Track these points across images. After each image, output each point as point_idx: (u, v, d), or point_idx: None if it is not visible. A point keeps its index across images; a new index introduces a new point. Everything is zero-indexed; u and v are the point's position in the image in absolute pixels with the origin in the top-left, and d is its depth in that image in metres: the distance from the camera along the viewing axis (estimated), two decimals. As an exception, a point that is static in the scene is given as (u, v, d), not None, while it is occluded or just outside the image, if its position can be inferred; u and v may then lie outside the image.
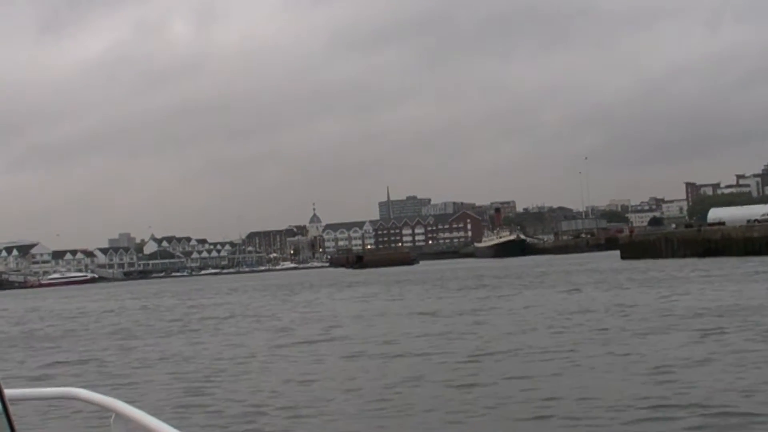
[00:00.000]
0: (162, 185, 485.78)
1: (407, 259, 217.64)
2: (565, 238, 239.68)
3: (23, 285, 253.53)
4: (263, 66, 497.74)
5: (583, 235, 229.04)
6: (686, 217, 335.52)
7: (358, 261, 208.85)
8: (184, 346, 36.52)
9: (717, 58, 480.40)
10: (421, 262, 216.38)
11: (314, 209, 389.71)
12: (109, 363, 31.80)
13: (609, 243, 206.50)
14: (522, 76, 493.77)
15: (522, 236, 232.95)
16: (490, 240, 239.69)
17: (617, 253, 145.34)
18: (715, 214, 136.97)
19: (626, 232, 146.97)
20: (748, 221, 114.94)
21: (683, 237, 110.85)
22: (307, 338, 35.88)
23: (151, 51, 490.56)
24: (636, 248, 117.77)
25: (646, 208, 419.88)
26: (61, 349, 39.06)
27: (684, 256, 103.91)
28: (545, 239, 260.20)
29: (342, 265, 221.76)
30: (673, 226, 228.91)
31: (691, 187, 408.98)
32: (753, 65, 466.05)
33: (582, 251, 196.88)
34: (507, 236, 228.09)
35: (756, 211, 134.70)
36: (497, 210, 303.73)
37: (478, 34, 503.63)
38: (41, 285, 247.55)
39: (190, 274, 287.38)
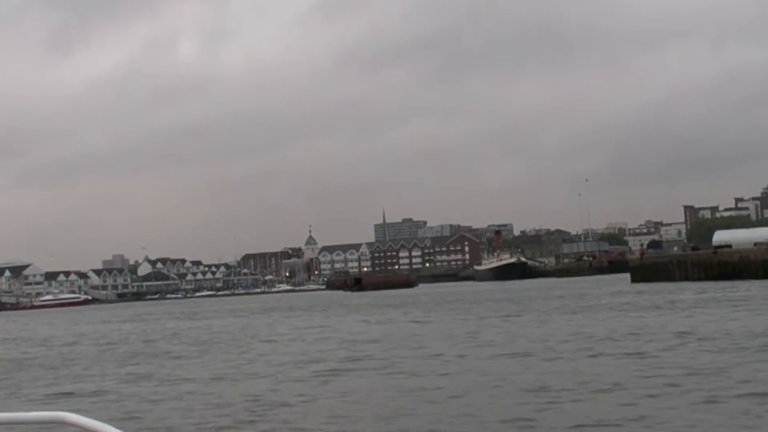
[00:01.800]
0: (158, 206, 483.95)
1: (407, 281, 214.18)
2: (566, 260, 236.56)
3: (15, 306, 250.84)
4: (268, 85, 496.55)
5: (585, 258, 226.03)
6: (685, 240, 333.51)
7: (357, 284, 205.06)
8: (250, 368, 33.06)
9: (719, 80, 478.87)
10: (420, 285, 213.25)
11: (310, 231, 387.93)
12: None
13: (612, 266, 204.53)
14: (525, 96, 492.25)
15: (523, 259, 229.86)
16: (490, 263, 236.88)
17: (625, 276, 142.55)
18: (720, 236, 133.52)
19: (636, 254, 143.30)
20: (756, 244, 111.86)
21: (698, 259, 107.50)
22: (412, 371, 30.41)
23: (159, 69, 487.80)
24: (647, 271, 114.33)
25: (644, 231, 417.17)
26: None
27: (699, 279, 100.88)
28: (546, 262, 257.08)
29: (339, 288, 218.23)
30: (675, 249, 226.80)
31: (689, 210, 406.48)
32: (755, 87, 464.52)
33: (584, 274, 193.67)
34: (507, 259, 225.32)
35: (762, 233, 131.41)
36: (497, 232, 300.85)
37: (483, 54, 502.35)
38: (33, 307, 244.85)
39: (185, 297, 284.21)
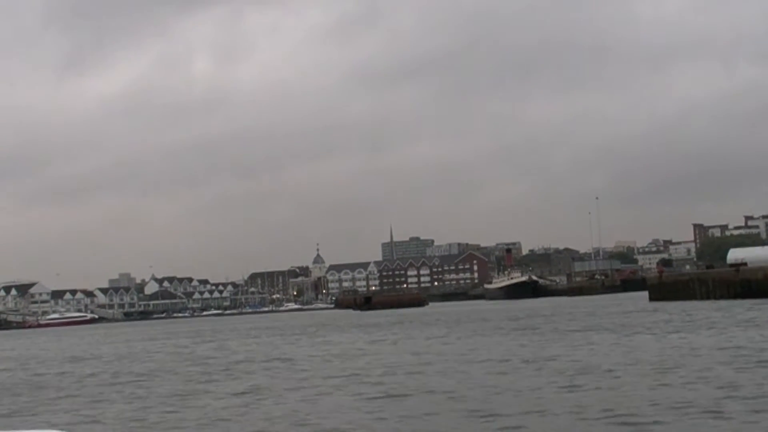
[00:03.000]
0: (165, 225, 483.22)
1: (417, 300, 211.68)
2: (578, 279, 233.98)
3: (21, 325, 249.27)
4: (278, 103, 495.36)
5: (597, 277, 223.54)
6: (695, 259, 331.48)
7: (367, 302, 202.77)
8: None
9: (729, 98, 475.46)
10: (430, 304, 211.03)
11: (318, 249, 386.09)
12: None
13: (625, 284, 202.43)
14: (535, 115, 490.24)
15: (534, 277, 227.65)
16: (501, 281, 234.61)
17: (640, 294, 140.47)
18: (735, 254, 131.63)
19: (654, 272, 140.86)
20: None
21: (720, 277, 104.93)
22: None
23: (171, 87, 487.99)
24: (666, 289, 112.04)
25: (654, 249, 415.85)
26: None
27: (720, 297, 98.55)
28: (558, 281, 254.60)
29: (348, 307, 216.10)
30: (687, 267, 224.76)
31: (699, 228, 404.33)
32: (764, 104, 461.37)
33: (597, 293, 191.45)
34: (518, 277, 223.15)
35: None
36: (508, 250, 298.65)
37: (493, 73, 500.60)
38: (40, 325, 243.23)
39: (192, 315, 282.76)
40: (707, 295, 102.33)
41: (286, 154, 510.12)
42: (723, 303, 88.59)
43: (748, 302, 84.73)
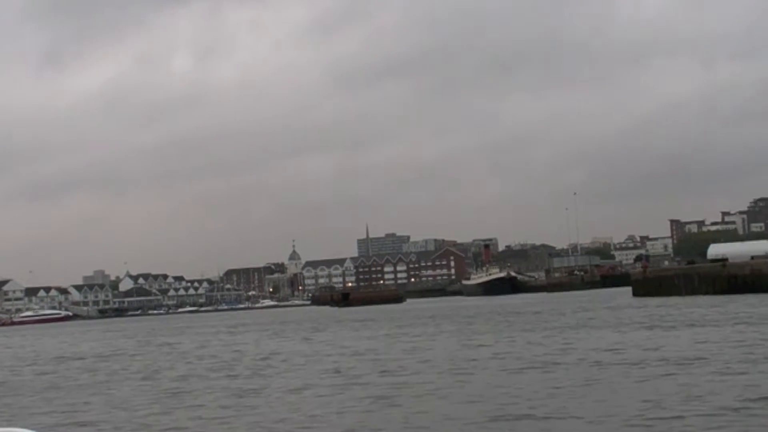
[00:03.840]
0: (140, 222, 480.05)
1: (394, 296, 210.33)
2: (557, 275, 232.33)
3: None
4: (259, 101, 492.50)
5: (576, 272, 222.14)
6: (671, 254, 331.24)
7: (344, 299, 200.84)
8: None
9: (707, 96, 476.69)
10: (407, 300, 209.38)
11: (294, 246, 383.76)
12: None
13: (605, 280, 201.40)
14: (513, 112, 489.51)
15: (513, 273, 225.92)
16: (479, 277, 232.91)
17: (623, 290, 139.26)
18: (715, 250, 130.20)
19: (637, 268, 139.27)
20: (752, 257, 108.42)
21: (706, 273, 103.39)
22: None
23: (150, 85, 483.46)
24: (650, 285, 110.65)
25: (631, 245, 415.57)
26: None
27: (706, 293, 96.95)
28: (536, 276, 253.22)
29: (326, 303, 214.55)
30: (665, 263, 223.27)
31: (675, 224, 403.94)
32: (741, 102, 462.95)
33: (577, 289, 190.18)
34: (497, 273, 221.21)
35: (759, 247, 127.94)
36: (486, 246, 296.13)
37: (472, 71, 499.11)
38: (13, 323, 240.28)
39: (167, 312, 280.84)
40: (692, 291, 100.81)
41: (265, 152, 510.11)
42: (708, 299, 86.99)
43: (747, 297, 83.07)
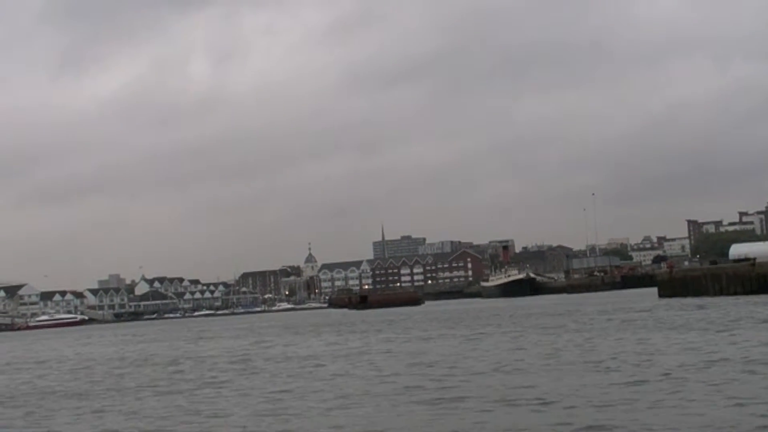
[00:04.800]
0: (156, 226, 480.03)
1: (413, 299, 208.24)
2: (576, 276, 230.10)
3: (10, 327, 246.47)
4: (274, 105, 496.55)
5: (596, 273, 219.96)
6: (689, 255, 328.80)
7: (362, 301, 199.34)
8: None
9: (723, 95, 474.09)
10: (426, 303, 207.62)
11: (310, 249, 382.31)
12: None
13: (625, 280, 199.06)
14: (527, 113, 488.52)
15: (532, 275, 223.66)
16: (497, 279, 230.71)
17: (645, 290, 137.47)
18: (738, 250, 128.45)
19: (664, 267, 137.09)
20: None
21: (734, 272, 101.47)
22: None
23: (166, 89, 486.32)
24: (677, 285, 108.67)
25: (648, 246, 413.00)
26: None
27: (735, 293, 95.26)
28: (556, 278, 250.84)
29: (343, 306, 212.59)
30: (686, 263, 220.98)
31: (693, 224, 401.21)
32: (757, 102, 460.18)
33: (597, 290, 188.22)
34: (516, 275, 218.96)
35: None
36: (505, 247, 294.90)
37: (487, 73, 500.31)
38: (29, 327, 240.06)
39: (183, 316, 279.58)
40: (720, 291, 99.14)
41: (280, 155, 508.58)
42: (741, 299, 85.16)
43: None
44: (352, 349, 54.02)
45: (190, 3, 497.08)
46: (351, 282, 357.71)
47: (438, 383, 31.22)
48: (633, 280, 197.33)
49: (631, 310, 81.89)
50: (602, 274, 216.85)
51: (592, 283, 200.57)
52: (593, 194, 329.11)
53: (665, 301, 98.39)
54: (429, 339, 58.82)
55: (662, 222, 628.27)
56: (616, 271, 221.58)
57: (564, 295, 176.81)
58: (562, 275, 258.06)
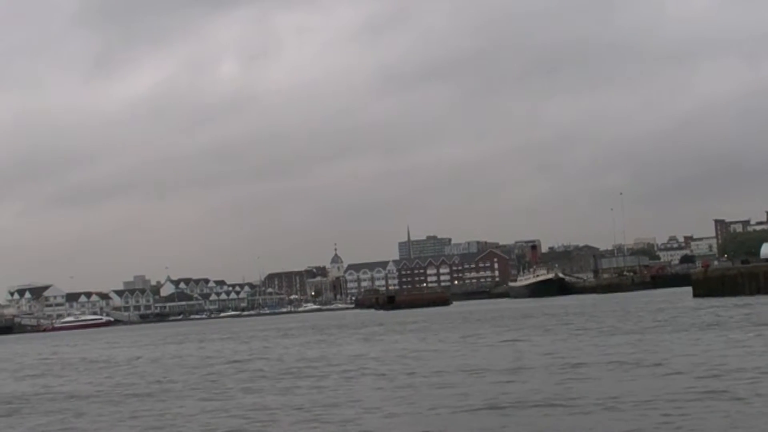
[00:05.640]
0: (181, 227, 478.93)
1: (441, 299, 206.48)
2: (606, 276, 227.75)
3: (36, 329, 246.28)
4: (304, 105, 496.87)
5: (626, 273, 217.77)
6: (716, 255, 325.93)
7: (390, 302, 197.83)
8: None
9: (752, 95, 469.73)
10: (454, 303, 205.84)
11: (336, 249, 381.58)
12: None
13: (655, 280, 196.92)
14: (555, 113, 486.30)
15: (561, 275, 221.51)
16: (526, 279, 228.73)
17: (677, 290, 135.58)
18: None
19: (698, 267, 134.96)
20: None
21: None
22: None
23: (197, 89, 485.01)
24: (712, 284, 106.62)
25: (675, 246, 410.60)
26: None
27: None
28: (585, 278, 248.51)
29: (370, 307, 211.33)
30: (715, 263, 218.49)
31: (720, 224, 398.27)
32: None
33: (628, 290, 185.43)
34: (545, 275, 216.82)
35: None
36: (533, 247, 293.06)
37: (514, 74, 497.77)
38: (54, 329, 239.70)
39: (209, 317, 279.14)
40: (756, 291, 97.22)
41: (308, 155, 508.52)
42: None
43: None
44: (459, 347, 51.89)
45: (222, 3, 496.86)
46: (377, 282, 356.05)
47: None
48: (663, 279, 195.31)
49: (686, 308, 79.82)
50: (632, 273, 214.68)
51: (622, 283, 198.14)
52: (621, 194, 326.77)
53: (704, 300, 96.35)
54: (517, 340, 55.35)
55: (687, 221, 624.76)
56: (645, 271, 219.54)
57: (594, 295, 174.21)
58: (590, 275, 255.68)
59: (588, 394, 26.05)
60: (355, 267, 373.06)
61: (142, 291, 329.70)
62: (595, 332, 56.16)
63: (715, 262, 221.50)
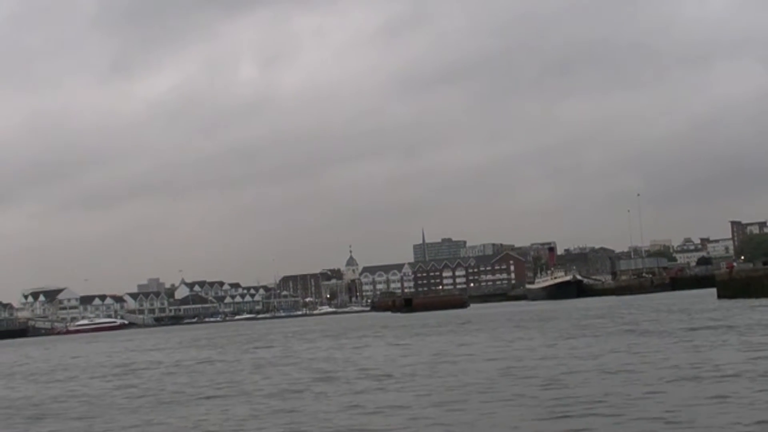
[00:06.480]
0: (194, 229, 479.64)
1: (459, 302, 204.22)
2: (624, 278, 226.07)
3: (50, 332, 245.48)
4: (321, 107, 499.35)
5: (645, 275, 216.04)
6: (733, 256, 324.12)
7: (407, 304, 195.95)
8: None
9: (767, 96, 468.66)
10: (471, 305, 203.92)
11: (351, 252, 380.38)
12: None
13: (674, 282, 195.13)
14: (570, 115, 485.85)
15: (578, 277, 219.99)
16: (543, 281, 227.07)
17: (698, 292, 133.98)
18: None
19: (724, 268, 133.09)
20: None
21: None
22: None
23: (215, 92, 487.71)
24: (737, 286, 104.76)
25: (691, 247, 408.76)
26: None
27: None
28: (603, 280, 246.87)
29: (387, 309, 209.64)
30: (734, 265, 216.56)
31: (736, 225, 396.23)
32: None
33: (647, 292, 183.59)
34: (562, 277, 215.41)
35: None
36: (551, 249, 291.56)
37: (529, 76, 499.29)
38: (69, 332, 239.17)
39: (224, 320, 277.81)
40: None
41: (324, 158, 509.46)
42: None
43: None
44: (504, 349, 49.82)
45: (240, 6, 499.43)
46: (393, 285, 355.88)
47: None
48: (682, 281, 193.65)
49: (715, 310, 77.82)
50: (651, 275, 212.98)
51: (642, 285, 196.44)
52: (638, 195, 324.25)
53: (731, 302, 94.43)
54: (553, 345, 52.47)
55: (703, 223, 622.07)
56: (664, 273, 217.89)
57: (613, 297, 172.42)
58: (608, 277, 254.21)
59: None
60: (371, 269, 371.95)
61: (157, 294, 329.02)
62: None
63: (734, 264, 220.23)
